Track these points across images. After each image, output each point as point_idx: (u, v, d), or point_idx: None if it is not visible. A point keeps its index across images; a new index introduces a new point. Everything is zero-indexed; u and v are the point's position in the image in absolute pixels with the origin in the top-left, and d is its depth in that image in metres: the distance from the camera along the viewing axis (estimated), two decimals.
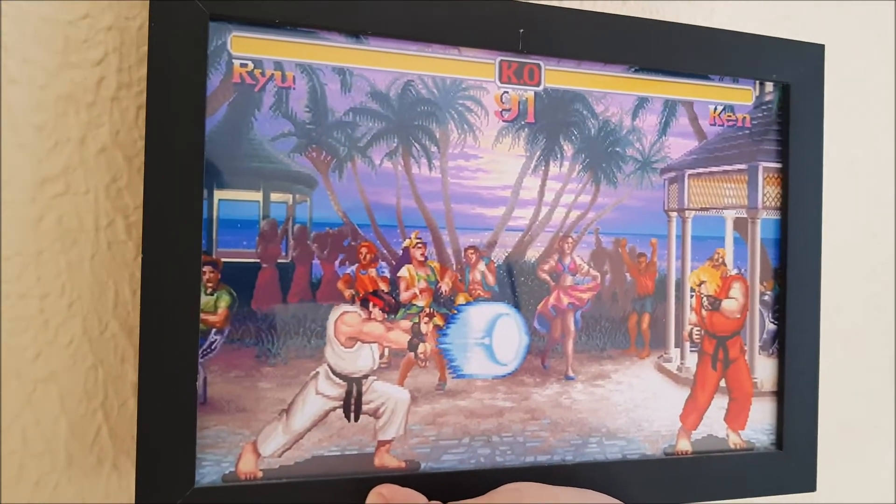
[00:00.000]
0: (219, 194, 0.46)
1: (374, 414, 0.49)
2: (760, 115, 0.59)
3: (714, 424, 0.57)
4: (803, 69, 0.59)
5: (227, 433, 0.46)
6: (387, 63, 0.50)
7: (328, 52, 0.49)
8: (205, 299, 0.46)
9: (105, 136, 0.49)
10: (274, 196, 0.48)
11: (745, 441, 0.57)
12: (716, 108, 0.57)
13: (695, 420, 0.56)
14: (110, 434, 0.49)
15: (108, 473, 0.49)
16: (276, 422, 0.47)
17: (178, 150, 0.45)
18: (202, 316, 0.45)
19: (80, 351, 0.49)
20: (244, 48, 0.47)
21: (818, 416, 0.59)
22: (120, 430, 0.49)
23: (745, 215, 0.58)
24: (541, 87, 0.53)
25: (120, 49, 0.49)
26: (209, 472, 0.46)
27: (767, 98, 0.59)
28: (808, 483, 0.58)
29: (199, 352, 0.45)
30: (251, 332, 0.47)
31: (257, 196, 0.47)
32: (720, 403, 0.57)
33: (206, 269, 0.46)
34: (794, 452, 0.58)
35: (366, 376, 0.49)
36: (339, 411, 0.48)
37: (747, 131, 0.58)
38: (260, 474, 0.46)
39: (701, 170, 0.57)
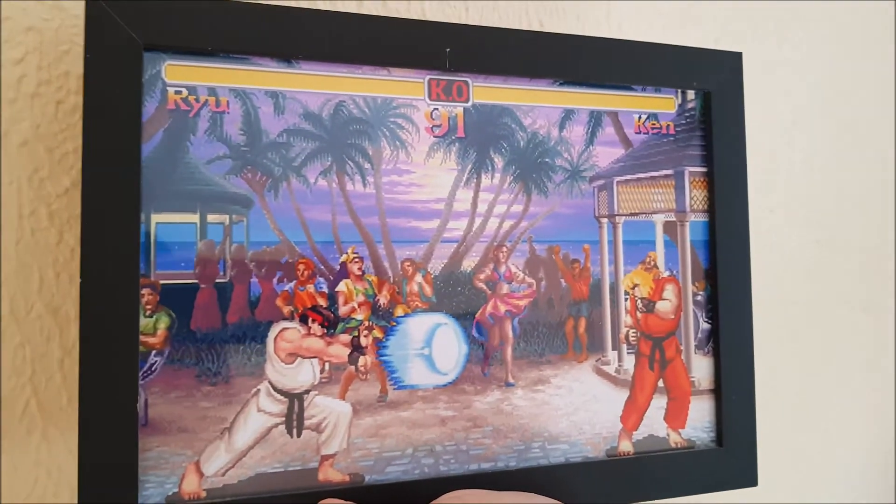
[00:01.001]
0: (156, 217, 0.47)
1: (317, 428, 0.49)
2: (684, 121, 0.61)
3: (654, 424, 0.58)
4: (723, 76, 0.62)
5: (170, 454, 0.46)
6: (318, 85, 0.51)
7: (260, 76, 0.50)
8: (144, 321, 0.46)
9: (27, 130, 0.52)
10: (211, 217, 0.49)
11: (686, 439, 0.59)
12: (640, 117, 0.60)
13: (635, 421, 0.58)
14: (38, 407, 0.52)
15: (38, 443, 0.52)
16: (218, 441, 0.47)
17: (115, 176, 0.46)
18: (142, 338, 0.46)
19: (8, 331, 0.51)
20: (178, 76, 0.48)
21: (755, 411, 0.61)
22: (48, 403, 0.52)
23: (675, 219, 0.60)
24: (469, 103, 0.55)
25: (39, 48, 0.52)
26: (152, 493, 0.46)
27: (690, 105, 0.61)
28: (749, 478, 0.60)
29: (140, 374, 0.46)
30: (191, 353, 0.47)
31: (194, 218, 0.48)
32: (659, 403, 0.59)
33: (144, 291, 0.46)
34: (734, 449, 0.60)
35: (307, 391, 0.49)
36: (282, 427, 0.49)
37: (672, 138, 0.61)
38: (203, 494, 0.47)
39: (629, 176, 0.59)
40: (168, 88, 0.48)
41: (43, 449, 0.51)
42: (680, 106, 0.61)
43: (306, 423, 0.49)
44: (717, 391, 0.60)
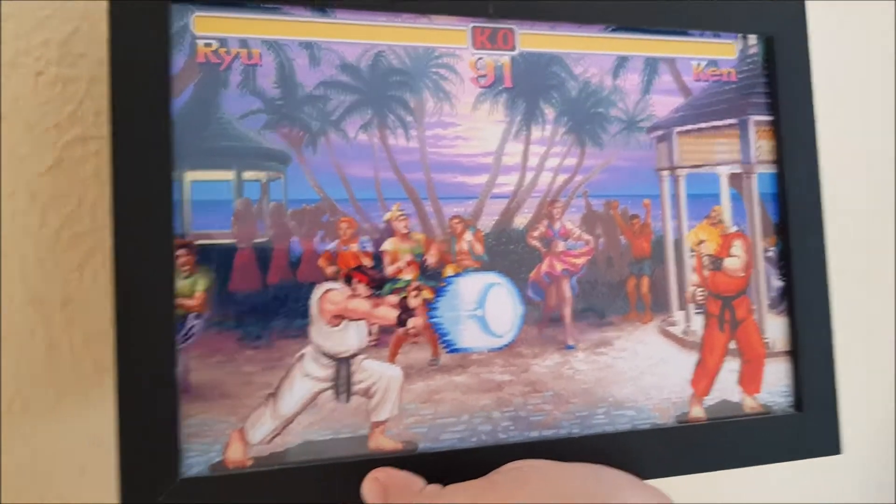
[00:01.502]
0: (190, 175, 0.45)
1: (366, 394, 0.46)
2: (746, 68, 0.57)
3: (727, 389, 0.54)
4: (786, 21, 0.58)
5: (213, 421, 0.44)
6: (355, 35, 0.49)
7: (294, 27, 0.48)
8: (181, 283, 0.44)
9: (3, 104, 0.49)
10: (247, 174, 0.46)
11: (762, 404, 0.55)
12: (699, 64, 0.56)
13: (706, 385, 0.54)
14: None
15: None
16: (263, 407, 0.45)
17: (146, 133, 0.44)
18: (179, 301, 0.44)
19: None
20: (207, 27, 0.46)
21: (836, 374, 0.56)
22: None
23: (740, 170, 0.56)
24: (516, 52, 0.52)
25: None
26: (195, 462, 0.43)
27: (752, 51, 0.57)
28: (831, 445, 0.55)
29: (179, 338, 0.43)
30: (231, 316, 0.45)
31: (230, 175, 0.46)
32: (732, 366, 0.54)
33: (180, 252, 0.44)
34: (814, 414, 0.55)
35: (354, 355, 0.46)
36: (329, 393, 0.46)
37: (734, 85, 0.56)
38: (249, 462, 0.44)
39: (690, 126, 0.55)
40: (197, 41, 0.46)
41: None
42: (741, 52, 0.57)
43: (355, 388, 0.46)
44: (794, 353, 0.56)
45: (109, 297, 0.42)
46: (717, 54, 0.57)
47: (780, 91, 0.57)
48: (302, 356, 0.46)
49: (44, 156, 0.50)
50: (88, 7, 0.52)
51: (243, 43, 0.47)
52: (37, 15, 0.50)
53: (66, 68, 0.52)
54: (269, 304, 0.45)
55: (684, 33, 0.56)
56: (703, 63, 0.56)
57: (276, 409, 0.45)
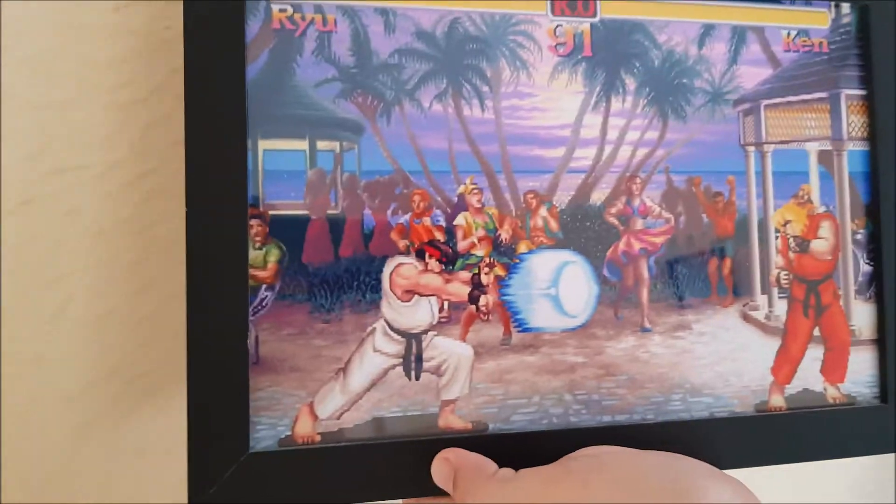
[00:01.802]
0: (263, 144, 0.44)
1: (436, 371, 0.45)
2: (839, 38, 0.54)
3: (809, 377, 0.52)
4: None
5: (282, 394, 0.43)
6: (431, 0, 0.47)
7: None
8: (253, 254, 0.43)
9: None
10: (320, 144, 0.45)
11: (846, 395, 0.52)
12: (789, 34, 0.53)
13: (788, 373, 0.51)
14: None
15: None
16: (332, 381, 0.44)
17: (220, 100, 0.43)
18: (251, 272, 0.43)
19: None
20: None
21: None
22: None
23: (830, 147, 0.53)
24: (597, 18, 0.49)
25: None
26: (264, 436, 0.43)
27: (845, 21, 0.54)
28: None
29: (250, 309, 0.43)
30: (303, 288, 0.44)
31: (303, 145, 0.45)
32: (815, 354, 0.52)
33: (253, 222, 0.43)
34: None
35: (425, 331, 0.45)
36: (399, 369, 0.45)
37: (825, 57, 0.53)
38: (318, 438, 0.44)
39: (778, 100, 0.52)
40: (272, 6, 0.45)
41: None
42: (834, 21, 0.54)
43: (425, 365, 0.45)
44: (881, 341, 0.53)
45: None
46: (808, 23, 0.53)
47: (875, 63, 0.54)
48: (373, 331, 0.45)
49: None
50: None
51: (318, 9, 0.45)
52: None
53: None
54: (340, 277, 0.45)
55: (775, 0, 0.53)
56: (794, 32, 0.53)
57: (346, 384, 0.44)
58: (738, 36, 0.52)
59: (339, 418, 0.44)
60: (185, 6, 0.42)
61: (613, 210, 0.49)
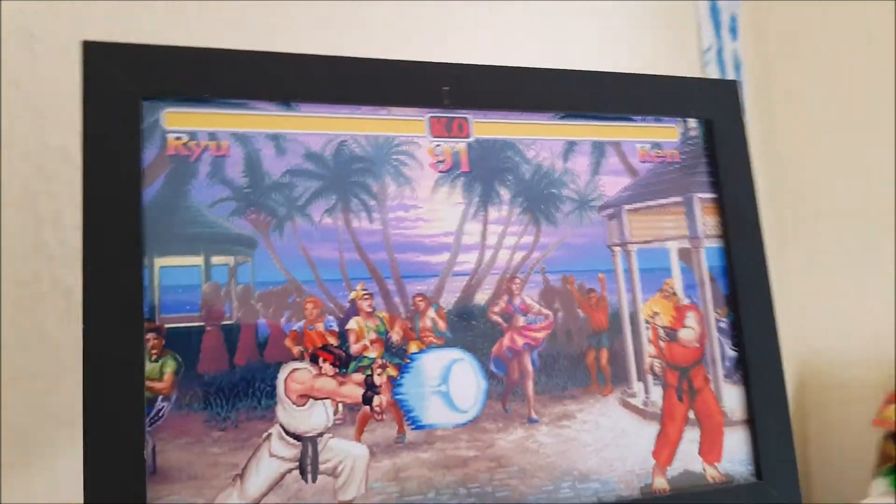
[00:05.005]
0: (160, 261, 0.46)
1: (333, 473, 0.47)
2: (688, 149, 0.61)
3: (689, 459, 0.55)
4: (723, 104, 0.62)
5: (181, 503, 0.44)
6: (319, 126, 0.51)
7: (260, 120, 0.50)
8: (150, 366, 0.45)
9: None
10: (215, 259, 0.48)
11: (724, 474, 0.56)
12: (644, 147, 0.60)
13: (668, 455, 0.55)
14: None
15: None
16: (230, 488, 0.45)
17: (116, 221, 0.45)
18: (148, 383, 0.44)
19: None
20: (178, 122, 0.49)
21: (794, 441, 0.57)
22: None
23: (689, 245, 0.59)
24: (472, 139, 0.55)
25: None
26: None
27: (692, 133, 0.61)
28: None
29: (147, 420, 0.44)
30: (199, 397, 0.45)
31: (198, 260, 0.47)
32: (692, 436, 0.56)
33: (149, 335, 0.45)
34: (775, 481, 0.56)
35: (321, 434, 0.47)
36: (296, 472, 0.46)
37: (677, 165, 0.60)
38: None
39: (638, 204, 0.58)
40: (168, 135, 0.48)
41: None
42: (683, 134, 0.61)
43: (322, 467, 0.47)
44: (751, 421, 0.57)
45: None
46: (660, 137, 0.60)
47: (721, 170, 0.61)
48: (269, 436, 0.46)
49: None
50: None
51: (212, 136, 0.49)
52: None
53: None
54: (236, 385, 0.46)
55: (628, 118, 0.60)
56: (648, 145, 0.60)
57: (244, 489, 0.45)
58: (599, 150, 0.58)
59: None
60: (85, 134, 0.45)
61: (496, 309, 0.53)
